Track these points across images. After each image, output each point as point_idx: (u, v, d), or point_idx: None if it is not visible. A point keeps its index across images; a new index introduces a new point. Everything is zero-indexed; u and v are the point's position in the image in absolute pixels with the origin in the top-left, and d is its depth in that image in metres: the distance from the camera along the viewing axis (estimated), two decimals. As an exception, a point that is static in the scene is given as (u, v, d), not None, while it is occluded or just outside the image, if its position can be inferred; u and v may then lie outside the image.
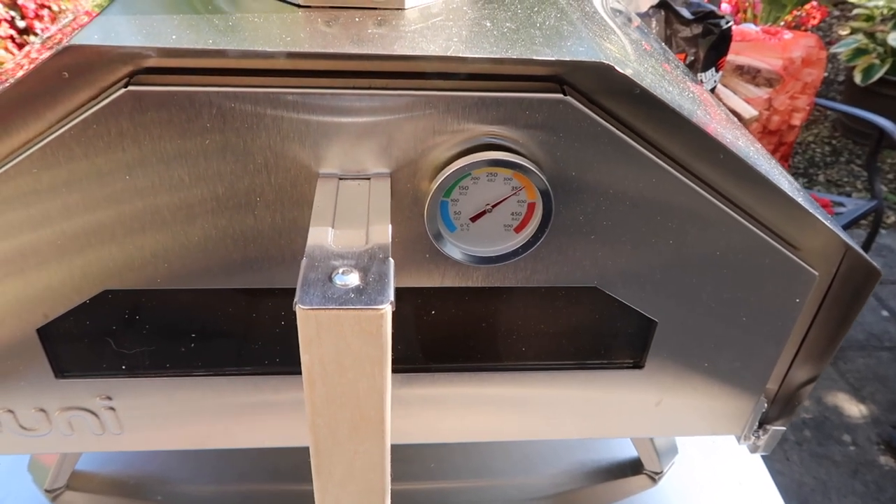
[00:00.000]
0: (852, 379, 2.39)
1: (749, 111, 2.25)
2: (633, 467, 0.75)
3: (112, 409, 0.54)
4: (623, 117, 0.44)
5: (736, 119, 0.64)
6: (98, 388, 0.53)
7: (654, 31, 1.95)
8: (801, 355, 0.58)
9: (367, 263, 0.36)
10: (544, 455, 0.76)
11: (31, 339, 0.49)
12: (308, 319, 0.34)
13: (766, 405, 0.60)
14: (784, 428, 0.62)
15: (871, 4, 3.29)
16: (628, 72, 0.41)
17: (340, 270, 0.35)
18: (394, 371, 0.55)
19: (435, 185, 0.42)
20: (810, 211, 0.50)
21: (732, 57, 2.34)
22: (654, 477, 0.74)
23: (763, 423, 0.62)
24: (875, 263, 0.52)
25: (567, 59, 0.39)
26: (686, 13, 1.88)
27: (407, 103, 0.41)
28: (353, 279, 0.35)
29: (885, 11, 3.29)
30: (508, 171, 0.43)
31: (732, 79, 2.34)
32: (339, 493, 0.42)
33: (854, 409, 2.29)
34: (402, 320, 0.52)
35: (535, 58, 0.39)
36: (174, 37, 0.37)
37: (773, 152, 2.45)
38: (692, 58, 1.92)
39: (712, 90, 1.99)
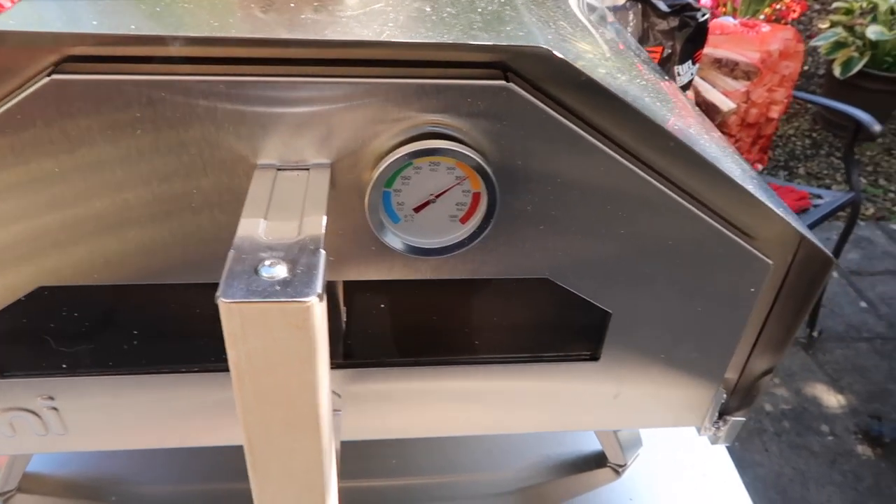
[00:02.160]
0: (831, 370, 2.41)
1: (727, 104, 2.25)
2: (597, 460, 0.75)
3: (55, 409, 0.53)
4: (570, 105, 0.43)
5: (706, 116, 0.63)
6: (39, 388, 0.51)
7: (631, 24, 1.95)
8: (759, 345, 0.58)
9: (296, 255, 0.35)
10: (508, 449, 0.75)
11: (-34, 338, 0.48)
12: (231, 314, 0.33)
13: (724, 396, 0.60)
14: (744, 419, 0.62)
15: (849, -2, 3.31)
16: (570, 58, 0.40)
17: (267, 262, 0.34)
18: (345, 366, 0.54)
19: (375, 175, 0.41)
20: (762, 200, 0.49)
21: (711, 50, 2.34)
22: (618, 470, 0.74)
23: (723, 413, 0.62)
24: (828, 253, 0.51)
25: (503, 43, 0.38)
26: (662, 6, 1.88)
27: (345, 91, 0.40)
28: (281, 271, 0.34)
29: (864, 5, 3.31)
30: (451, 161, 0.42)
31: (711, 72, 2.34)
32: (278, 493, 0.41)
33: (832, 399, 2.31)
34: (352, 314, 0.51)
35: (468, 42, 0.38)
36: (95, 22, 0.36)
37: (751, 145, 2.46)
38: (669, 50, 1.92)
39: (689, 83, 1.99)
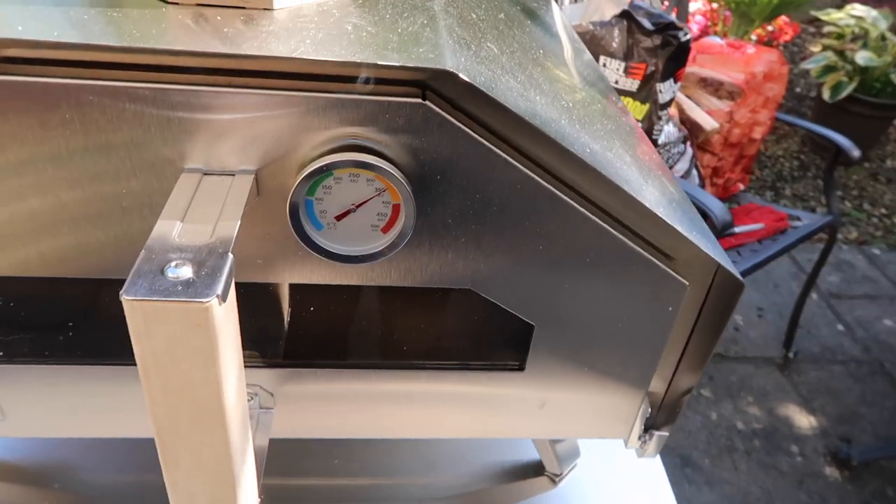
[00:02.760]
0: (804, 391, 2.43)
1: (710, 123, 2.28)
2: (535, 469, 0.77)
3: (-7, 395, 0.54)
4: (487, 124, 0.45)
5: (655, 151, 0.65)
6: (-23, 374, 0.53)
7: (616, 40, 1.97)
8: (683, 363, 0.60)
9: (203, 258, 0.37)
10: (448, 455, 0.77)
11: None
12: (134, 311, 0.34)
13: (649, 410, 0.62)
14: (667, 434, 0.63)
15: (841, 23, 3.35)
16: (482, 79, 0.42)
17: (174, 263, 0.36)
18: (276, 366, 0.56)
19: (296, 184, 0.43)
20: (677, 228, 0.51)
21: (697, 69, 2.37)
22: (555, 479, 0.75)
23: (649, 428, 0.64)
24: (740, 278, 0.53)
25: (409, 64, 0.40)
26: (647, 24, 1.91)
27: (266, 102, 0.42)
28: (186, 272, 0.36)
29: (856, 30, 3.35)
30: (370, 173, 0.44)
31: (696, 90, 2.37)
32: (189, 484, 0.42)
33: (804, 420, 2.33)
34: (278, 315, 0.53)
35: (376, 62, 0.40)
36: (20, 27, 0.38)
37: (734, 164, 2.49)
38: (652, 68, 1.95)
39: (671, 100, 2.02)
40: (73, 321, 0.52)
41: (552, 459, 0.75)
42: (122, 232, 0.46)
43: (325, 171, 0.43)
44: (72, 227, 0.46)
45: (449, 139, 0.44)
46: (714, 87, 2.33)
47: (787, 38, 3.67)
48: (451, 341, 0.57)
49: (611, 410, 0.61)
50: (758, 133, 2.39)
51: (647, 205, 0.48)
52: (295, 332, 0.55)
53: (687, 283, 0.53)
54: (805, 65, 3.59)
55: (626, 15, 1.94)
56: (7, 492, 0.68)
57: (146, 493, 0.70)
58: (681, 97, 2.33)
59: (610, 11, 2.05)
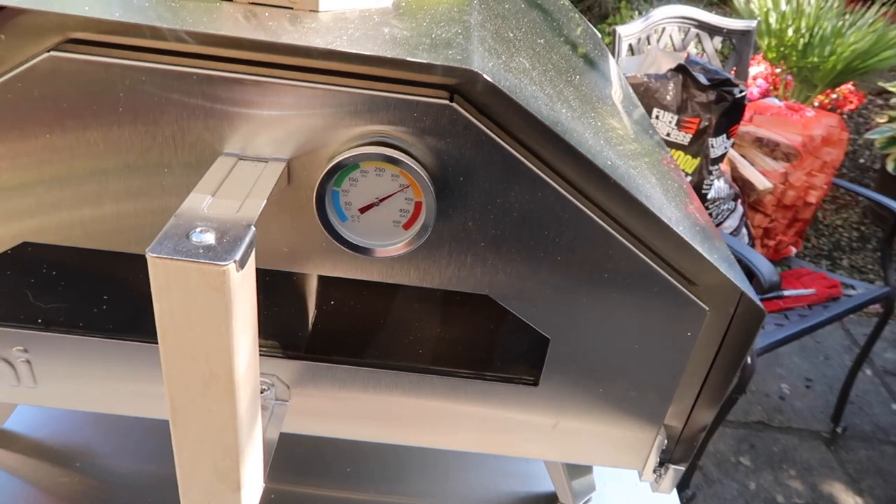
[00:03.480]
0: (852, 469, 2.30)
1: (763, 183, 2.25)
2: (548, 501, 0.75)
3: (27, 361, 0.57)
4: (512, 131, 0.46)
5: (685, 182, 0.65)
6: (15, 339, 0.56)
7: (670, 93, 1.98)
8: (703, 395, 0.59)
9: (227, 228, 0.39)
10: (461, 479, 0.77)
11: (-45, 283, 0.53)
12: (156, 268, 0.36)
13: (665, 442, 0.61)
14: (683, 468, 0.62)
15: (908, 95, 3.28)
16: (505, 84, 0.44)
17: (199, 229, 0.38)
18: (294, 358, 0.57)
19: (323, 172, 0.45)
20: (699, 251, 0.51)
21: (753, 128, 2.35)
22: (567, 511, 0.74)
23: (665, 461, 0.62)
24: (762, 306, 0.52)
25: (436, 63, 0.42)
26: (703, 79, 1.92)
27: (304, 95, 0.44)
28: (209, 238, 0.38)
29: (924, 103, 3.28)
30: (395, 168, 0.46)
31: (751, 150, 2.35)
32: (196, 450, 0.44)
33: (850, 500, 2.20)
34: (301, 308, 0.55)
35: (405, 58, 0.42)
36: (87, 7, 0.42)
37: (787, 227, 2.43)
38: (706, 123, 1.95)
39: (723, 156, 2.00)
40: (107, 295, 0.55)
41: (566, 491, 0.73)
42: (160, 209, 0.49)
43: (352, 162, 0.45)
44: (114, 201, 0.49)
45: (473, 142, 0.46)
46: (770, 148, 2.30)
47: (852, 107, 3.61)
48: (467, 349, 0.57)
49: (625, 438, 0.60)
50: (813, 197, 2.34)
51: (670, 224, 0.48)
52: (315, 326, 0.57)
53: (707, 309, 0.53)
54: (870, 135, 3.52)
55: (681, 69, 1.96)
56: (30, 466, 0.70)
57: (163, 485, 0.72)
58: (734, 155, 2.31)
59: (666, 65, 2.07)
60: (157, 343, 0.56)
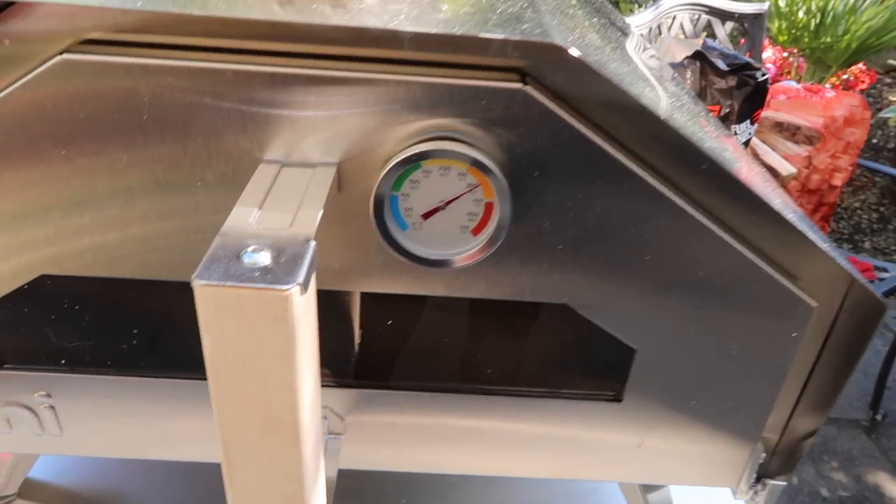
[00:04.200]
0: (895, 457, 2.23)
1: (787, 168, 2.18)
2: (622, 522, 0.69)
3: (51, 407, 0.51)
4: (593, 117, 0.41)
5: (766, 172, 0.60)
6: (37, 383, 0.50)
7: (688, 81, 1.92)
8: (803, 400, 0.52)
9: (283, 245, 0.33)
10: (523, 501, 0.70)
11: (-32, 325, 0.47)
12: (205, 297, 0.31)
13: (763, 455, 0.54)
14: (784, 483, 0.56)
15: (922, 70, 3.21)
16: (592, 61, 0.38)
17: (251, 248, 0.32)
18: (345, 386, 0.51)
19: (382, 174, 0.39)
20: (810, 236, 0.45)
21: (772, 113, 2.29)
22: (645, 533, 0.67)
23: (761, 476, 0.56)
24: (880, 298, 0.46)
25: (514, 38, 0.36)
26: (721, 65, 1.85)
27: (355, 88, 0.39)
28: (264, 258, 0.32)
29: (938, 78, 3.21)
30: (462, 165, 0.40)
31: (771, 135, 2.28)
32: (255, 503, 0.38)
33: (896, 489, 2.13)
34: (352, 329, 0.49)
35: (477, 35, 0.36)
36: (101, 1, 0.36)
37: (812, 212, 2.37)
38: (727, 110, 1.88)
39: (746, 143, 1.94)
40: (137, 329, 0.49)
41: (642, 510, 0.67)
42: (194, 228, 0.43)
43: (413, 160, 0.39)
44: (141, 223, 0.43)
45: (550, 131, 0.40)
46: (790, 132, 2.24)
47: (864, 86, 3.54)
48: (540, 366, 0.51)
49: (718, 454, 0.54)
50: (838, 179, 2.28)
51: (780, 210, 0.42)
52: (368, 350, 0.51)
53: (815, 305, 0.46)
54: (883, 114, 3.45)
55: (698, 56, 1.90)
56: (60, 517, 0.64)
57: (201, 527, 0.66)
58: (755, 142, 2.25)
59: (681, 53, 2.01)
60: (196, 378, 0.50)
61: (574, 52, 0.36)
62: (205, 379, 0.50)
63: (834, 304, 0.48)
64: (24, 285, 0.45)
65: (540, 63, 0.38)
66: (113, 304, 0.48)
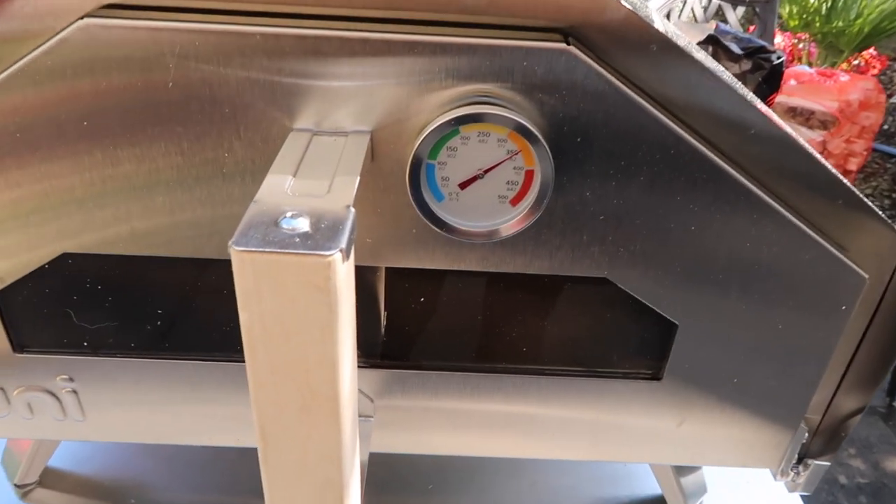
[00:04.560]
0: (915, 444, 2.21)
1: (802, 153, 2.16)
2: (654, 505, 0.67)
3: (74, 391, 0.50)
4: (639, 78, 0.39)
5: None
6: (59, 367, 0.49)
7: (701, 66, 1.90)
8: (848, 378, 0.51)
9: (322, 211, 0.31)
10: (555, 485, 0.69)
11: (-13, 307, 0.46)
12: (244, 265, 0.29)
13: (806, 435, 0.52)
14: (828, 464, 0.54)
15: (934, 54, 3.17)
16: (644, 15, 0.36)
17: (289, 214, 0.30)
18: (378, 367, 0.50)
19: (418, 143, 0.38)
20: (865, 202, 0.43)
21: (785, 98, 2.26)
22: (678, 517, 0.66)
23: (803, 457, 0.54)
24: (937, 266, 0.44)
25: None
26: (735, 48, 1.83)
27: (387, 50, 0.37)
28: (303, 224, 0.30)
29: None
30: (502, 131, 0.38)
31: (785, 120, 2.25)
32: (292, 488, 0.36)
33: (916, 477, 2.11)
34: (390, 309, 0.47)
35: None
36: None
37: (827, 198, 2.34)
38: (741, 94, 1.86)
39: (762, 127, 1.92)
40: (161, 310, 0.47)
41: (677, 494, 0.65)
42: (221, 202, 0.41)
43: (452, 126, 0.37)
44: (166, 196, 0.41)
45: (593, 94, 0.38)
46: (804, 117, 2.21)
47: (875, 71, 3.50)
48: (577, 344, 0.49)
49: (760, 434, 0.52)
50: (853, 165, 2.25)
51: (835, 173, 0.40)
52: (399, 329, 0.49)
53: (866, 277, 0.45)
54: (895, 99, 3.41)
55: (711, 40, 1.87)
56: (82, 506, 0.63)
57: (225, 516, 0.64)
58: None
59: (694, 38, 1.98)
60: (225, 360, 0.49)
61: (626, 3, 0.35)
62: (230, 361, 0.49)
63: (885, 276, 0.46)
64: (45, 265, 0.44)
65: (585, 21, 0.36)
66: (136, 284, 0.46)
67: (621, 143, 0.40)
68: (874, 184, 3.73)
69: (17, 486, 0.63)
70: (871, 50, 3.49)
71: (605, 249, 0.43)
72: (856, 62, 3.50)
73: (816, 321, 0.46)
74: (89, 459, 0.66)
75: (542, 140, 0.38)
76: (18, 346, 0.48)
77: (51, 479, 0.65)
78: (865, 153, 2.27)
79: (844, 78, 2.21)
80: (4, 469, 0.64)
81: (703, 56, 0.41)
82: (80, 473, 0.65)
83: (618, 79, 0.38)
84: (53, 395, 0.50)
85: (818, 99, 2.19)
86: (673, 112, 0.40)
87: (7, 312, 0.46)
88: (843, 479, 2.08)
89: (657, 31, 0.36)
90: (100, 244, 0.43)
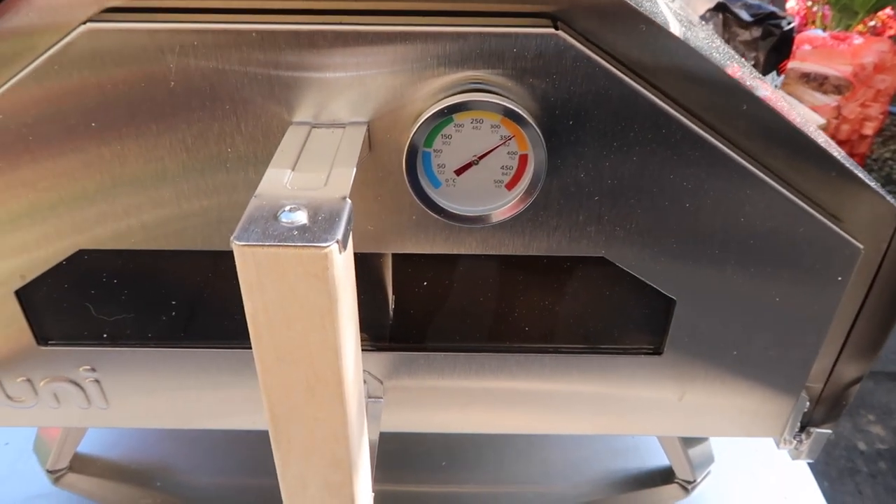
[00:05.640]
0: (934, 409, 2.20)
1: (816, 119, 2.13)
2: (663, 476, 0.69)
3: (97, 381, 0.52)
4: (627, 58, 0.39)
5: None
6: (82, 358, 0.51)
7: (711, 35, 1.88)
8: (848, 347, 0.51)
9: (319, 203, 0.32)
10: (566, 460, 0.70)
11: (10, 303, 0.48)
12: (245, 258, 0.30)
13: (807, 403, 0.53)
14: (829, 432, 0.55)
15: (954, 12, 3.10)
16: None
17: (288, 208, 0.32)
18: (386, 349, 0.51)
19: (414, 130, 0.39)
20: (857, 174, 0.44)
21: (798, 64, 2.23)
22: (687, 487, 0.67)
23: (806, 425, 0.55)
24: (932, 235, 0.45)
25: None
26: (745, 15, 1.80)
27: (381, 42, 0.38)
28: (301, 217, 0.31)
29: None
30: (495, 117, 0.39)
31: (798, 86, 2.22)
32: (302, 467, 0.38)
33: (937, 442, 2.10)
34: (387, 292, 0.49)
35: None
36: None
37: (843, 164, 2.31)
38: (752, 62, 1.83)
39: (774, 95, 1.89)
40: (176, 301, 0.49)
41: (684, 464, 0.67)
42: (226, 194, 0.43)
43: (445, 114, 0.38)
44: (173, 191, 0.43)
45: (584, 77, 0.39)
46: (818, 82, 2.18)
47: (893, 32, 3.43)
48: (578, 321, 0.51)
49: (762, 404, 0.53)
50: (869, 129, 2.22)
51: (825, 147, 0.41)
52: (405, 312, 0.50)
53: (861, 248, 0.45)
54: (914, 59, 3.34)
55: (721, 7, 1.85)
56: (109, 489, 0.66)
57: (248, 497, 0.67)
58: (781, 94, 2.19)
59: (702, 6, 1.96)
60: (237, 347, 0.51)
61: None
62: (244, 347, 0.51)
63: (881, 246, 0.46)
64: (62, 261, 0.46)
65: (572, 4, 0.37)
66: (150, 277, 0.48)
67: (613, 123, 0.40)
68: (893, 147, 3.67)
69: (49, 471, 0.66)
70: (888, 10, 3.41)
71: (602, 229, 0.44)
72: (871, 23, 3.43)
73: (813, 292, 0.47)
74: (116, 445, 0.69)
75: (534, 124, 0.39)
76: (42, 339, 0.50)
77: (80, 464, 0.68)
78: (882, 116, 2.24)
79: (858, 41, 2.17)
80: (37, 456, 0.67)
81: (691, 35, 0.41)
82: (107, 458, 0.68)
83: (607, 61, 0.39)
84: (77, 384, 0.52)
85: (832, 63, 2.16)
86: (663, 91, 0.40)
87: (30, 307, 0.48)
88: (862, 446, 2.08)
89: (643, 13, 0.37)
90: (112, 240, 0.45)
